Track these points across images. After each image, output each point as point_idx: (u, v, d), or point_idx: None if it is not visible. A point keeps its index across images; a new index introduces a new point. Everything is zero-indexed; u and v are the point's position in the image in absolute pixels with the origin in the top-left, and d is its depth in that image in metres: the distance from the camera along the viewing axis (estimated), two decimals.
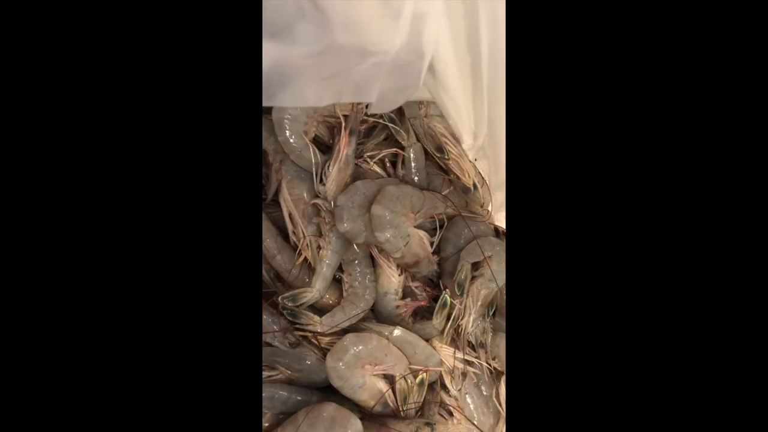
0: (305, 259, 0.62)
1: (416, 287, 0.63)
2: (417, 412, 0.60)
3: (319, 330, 0.60)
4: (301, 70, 0.45)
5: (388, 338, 0.60)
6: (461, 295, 0.61)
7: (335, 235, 0.61)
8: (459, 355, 0.61)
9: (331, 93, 0.47)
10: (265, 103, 0.44)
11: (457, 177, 0.64)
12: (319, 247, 0.61)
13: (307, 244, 0.61)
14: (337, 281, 0.63)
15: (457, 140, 0.61)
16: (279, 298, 0.60)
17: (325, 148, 0.62)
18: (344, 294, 0.62)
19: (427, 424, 0.58)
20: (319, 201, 0.61)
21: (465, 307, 0.61)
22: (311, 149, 0.60)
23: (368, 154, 0.63)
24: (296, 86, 0.46)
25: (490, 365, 0.62)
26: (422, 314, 0.63)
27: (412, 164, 0.63)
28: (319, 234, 0.61)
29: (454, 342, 0.62)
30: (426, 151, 0.64)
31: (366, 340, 0.59)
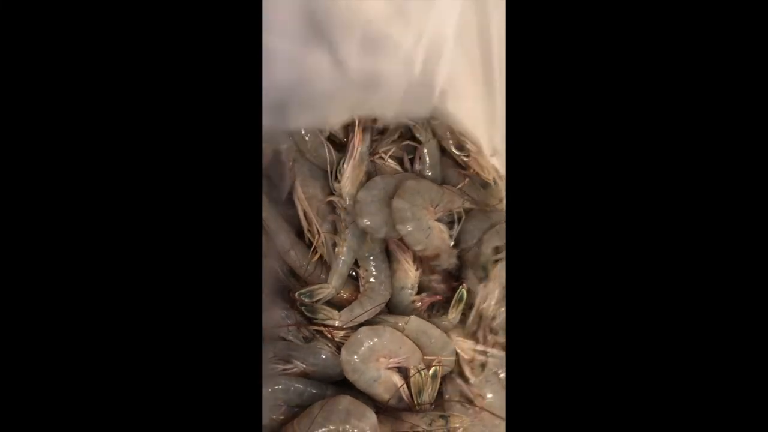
0: (320, 255, 0.62)
1: (434, 280, 0.64)
2: (432, 405, 0.60)
3: (338, 325, 0.61)
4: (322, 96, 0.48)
5: (402, 330, 0.60)
6: (485, 277, 0.61)
7: (351, 232, 0.61)
8: (479, 347, 0.61)
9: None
10: (288, 126, 0.46)
11: (477, 173, 0.64)
12: (334, 244, 0.62)
13: (322, 242, 0.61)
14: (353, 277, 0.64)
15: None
16: (296, 294, 0.61)
17: (339, 146, 0.63)
18: (361, 289, 0.63)
19: (442, 416, 0.58)
20: (334, 198, 0.62)
21: (488, 291, 0.61)
22: (326, 147, 0.60)
23: (383, 149, 0.63)
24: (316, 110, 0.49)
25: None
26: (438, 308, 0.64)
27: (427, 161, 0.64)
28: (335, 231, 0.62)
29: (474, 334, 0.62)
30: (443, 149, 0.65)
31: (380, 333, 0.59)
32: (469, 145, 0.63)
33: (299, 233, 0.63)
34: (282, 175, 0.62)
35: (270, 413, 0.56)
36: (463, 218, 0.63)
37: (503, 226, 0.62)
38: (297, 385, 0.59)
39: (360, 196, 0.61)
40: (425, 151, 0.64)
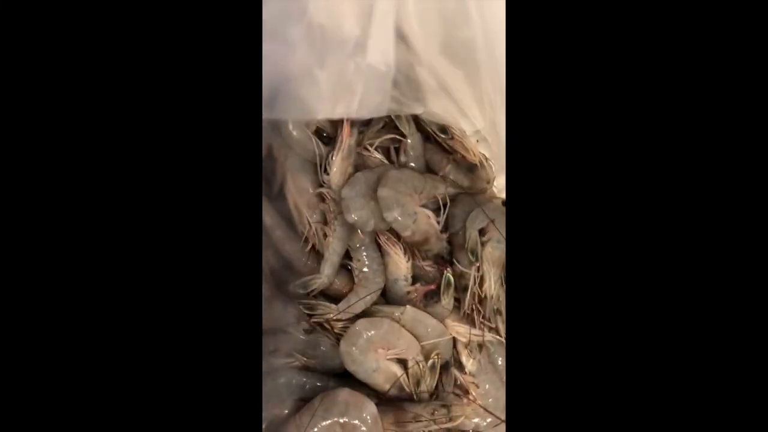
0: (313, 247, 0.63)
1: (428, 266, 0.64)
2: (432, 395, 0.60)
3: (335, 316, 0.61)
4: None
5: (399, 320, 0.60)
6: (476, 260, 0.61)
7: (339, 223, 0.62)
8: (475, 331, 0.61)
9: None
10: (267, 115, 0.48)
11: (462, 156, 0.65)
12: (325, 235, 0.63)
13: (313, 233, 0.62)
14: (347, 270, 0.65)
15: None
16: (291, 287, 0.61)
17: (327, 139, 0.64)
18: (355, 280, 0.64)
19: (443, 405, 0.58)
20: (323, 190, 0.63)
21: (483, 272, 0.62)
22: (314, 141, 0.62)
23: (368, 141, 0.64)
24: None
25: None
26: (434, 297, 0.63)
27: (411, 153, 0.65)
28: (324, 222, 0.63)
29: (470, 317, 0.62)
30: (427, 134, 0.66)
31: (377, 325, 0.60)
32: (452, 129, 0.64)
33: (293, 227, 0.64)
34: (274, 170, 0.64)
35: (273, 407, 0.56)
36: (448, 204, 0.64)
37: (487, 206, 0.62)
38: (299, 378, 0.59)
39: (344, 193, 0.62)
40: (409, 143, 0.65)
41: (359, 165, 0.64)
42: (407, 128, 0.64)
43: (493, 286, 0.62)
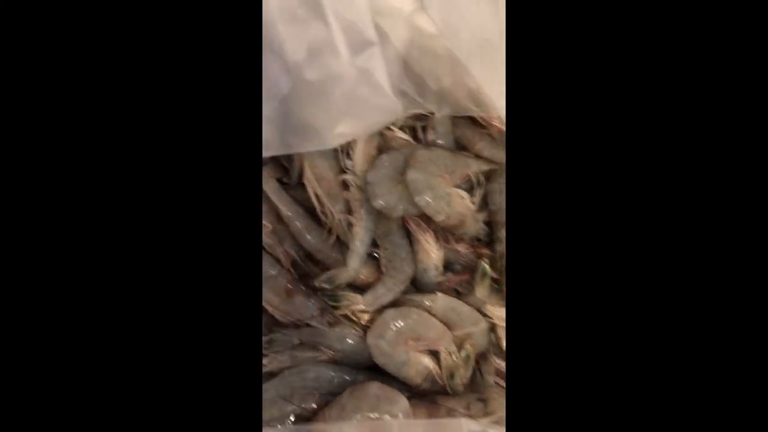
0: (338, 237, 0.60)
1: (463, 248, 0.60)
2: (468, 387, 0.57)
3: (362, 308, 0.58)
4: None
5: (429, 309, 0.57)
6: None
7: (366, 211, 0.59)
8: None
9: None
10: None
11: (498, 129, 0.60)
12: (350, 225, 0.59)
13: (337, 223, 0.59)
14: (373, 258, 0.61)
15: None
16: (316, 282, 0.59)
17: None
18: (383, 269, 0.60)
19: (480, 399, 0.55)
20: (347, 176, 0.59)
21: None
22: None
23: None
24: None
25: None
26: (467, 287, 0.60)
27: (439, 129, 0.61)
28: (349, 211, 0.60)
29: None
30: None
31: (406, 314, 0.57)
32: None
33: (314, 217, 0.61)
34: (290, 157, 0.61)
35: (301, 401, 0.55)
36: (483, 181, 0.60)
37: None
38: (329, 372, 0.57)
39: (370, 177, 0.59)
40: (436, 118, 0.60)
41: (383, 147, 0.60)
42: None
43: None
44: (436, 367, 0.57)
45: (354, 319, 0.59)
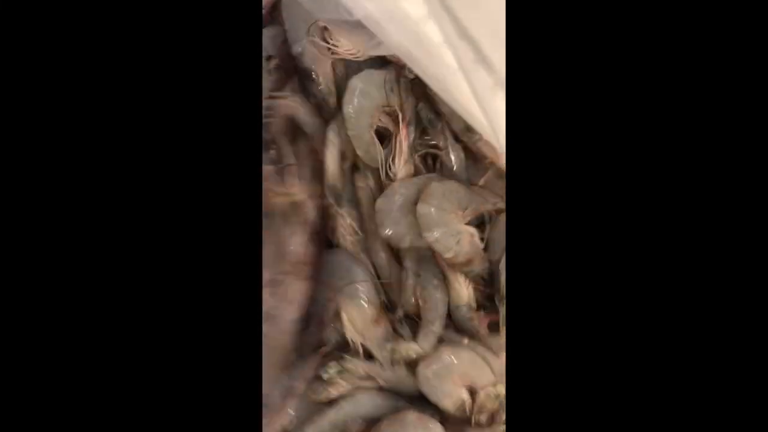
0: None
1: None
2: (489, 421, 0.58)
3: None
4: None
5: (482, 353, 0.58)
6: None
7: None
8: None
9: None
10: None
11: (492, 161, 0.59)
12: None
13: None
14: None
15: None
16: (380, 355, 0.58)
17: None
18: (421, 307, 0.60)
19: None
20: None
21: None
22: (377, 144, 0.58)
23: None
24: None
25: None
26: (496, 328, 0.60)
27: (453, 160, 0.59)
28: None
29: None
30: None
31: (461, 355, 0.58)
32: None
33: None
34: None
35: (342, 427, 0.57)
36: (494, 218, 0.59)
37: None
38: (376, 399, 0.58)
39: (379, 204, 0.58)
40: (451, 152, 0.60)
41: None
42: (446, 139, 0.59)
43: None
44: (470, 402, 0.57)
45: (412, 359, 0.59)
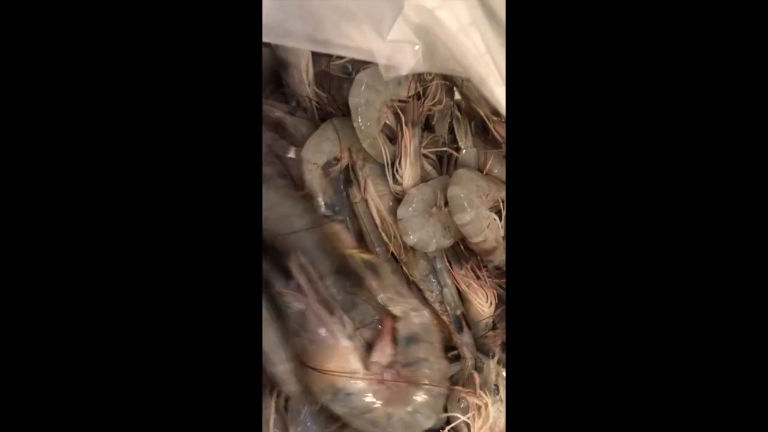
0: None
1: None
2: None
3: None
4: None
5: None
6: None
7: None
8: None
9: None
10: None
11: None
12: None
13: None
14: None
15: None
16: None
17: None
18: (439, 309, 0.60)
19: None
20: None
21: None
22: (381, 140, 0.58)
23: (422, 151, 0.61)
24: None
25: None
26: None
27: (466, 156, 0.63)
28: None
29: None
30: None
31: None
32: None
33: None
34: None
35: None
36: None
37: None
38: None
39: (400, 213, 0.58)
40: (464, 152, 0.63)
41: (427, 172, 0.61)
42: (464, 140, 0.62)
43: None
44: None
45: None
